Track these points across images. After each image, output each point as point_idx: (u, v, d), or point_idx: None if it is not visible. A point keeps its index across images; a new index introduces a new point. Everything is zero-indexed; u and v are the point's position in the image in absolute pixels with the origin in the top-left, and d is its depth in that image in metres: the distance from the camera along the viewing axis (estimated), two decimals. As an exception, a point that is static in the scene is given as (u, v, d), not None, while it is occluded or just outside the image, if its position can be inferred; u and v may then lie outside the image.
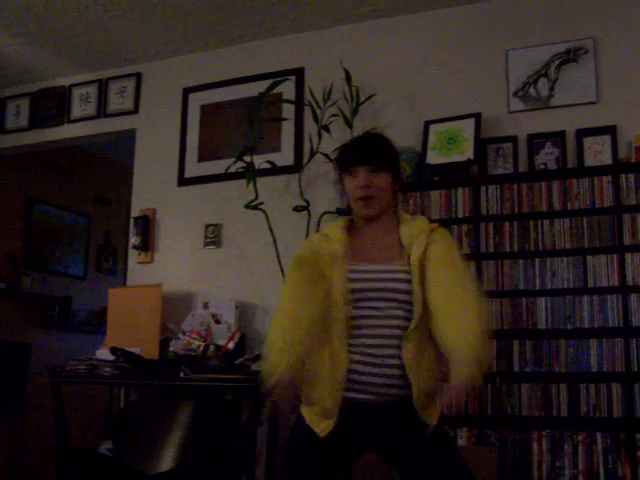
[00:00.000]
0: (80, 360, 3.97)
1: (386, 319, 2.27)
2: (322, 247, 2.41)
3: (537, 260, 3.66)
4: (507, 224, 3.75)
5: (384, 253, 2.36)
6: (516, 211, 3.75)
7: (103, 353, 4.02)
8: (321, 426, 2.29)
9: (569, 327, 3.55)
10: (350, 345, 2.27)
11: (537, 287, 3.64)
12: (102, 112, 5.21)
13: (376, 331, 2.27)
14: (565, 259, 3.63)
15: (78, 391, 4.56)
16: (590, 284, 3.57)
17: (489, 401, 3.58)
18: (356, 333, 2.28)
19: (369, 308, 2.29)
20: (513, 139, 3.97)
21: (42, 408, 6.02)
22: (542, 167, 3.87)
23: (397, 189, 2.44)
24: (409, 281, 2.27)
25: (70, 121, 5.34)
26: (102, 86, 5.24)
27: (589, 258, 3.59)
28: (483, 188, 3.82)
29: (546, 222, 3.69)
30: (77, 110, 5.31)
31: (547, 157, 3.89)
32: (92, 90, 5.27)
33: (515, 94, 4.06)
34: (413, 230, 2.35)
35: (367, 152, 2.42)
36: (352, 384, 2.27)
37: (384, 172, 2.37)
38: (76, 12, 4.46)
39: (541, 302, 3.61)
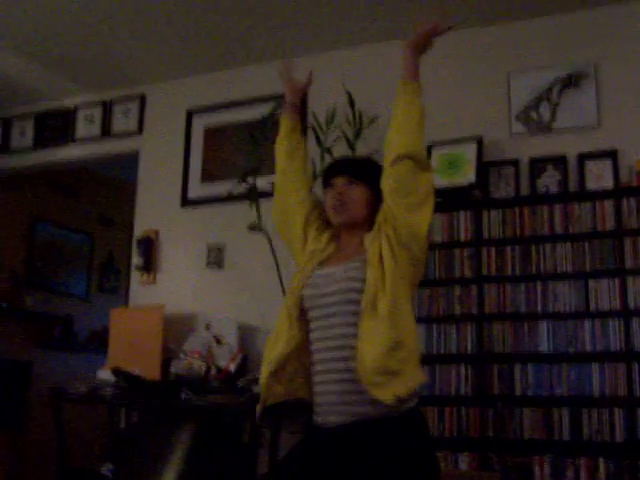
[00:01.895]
0: (81, 380, 3.97)
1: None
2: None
3: (539, 283, 3.67)
4: (509, 248, 3.76)
5: (341, 257, 2.36)
6: (518, 234, 3.76)
7: (104, 374, 4.02)
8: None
9: (571, 351, 3.55)
10: None
11: (539, 310, 3.65)
12: (106, 133, 5.25)
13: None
14: (567, 282, 3.63)
15: (79, 411, 4.55)
16: (592, 308, 3.57)
17: (490, 425, 3.58)
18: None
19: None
20: (515, 163, 3.99)
21: (43, 428, 6.03)
22: (544, 191, 3.88)
23: (372, 207, 2.38)
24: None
25: (74, 141, 5.38)
26: (106, 107, 5.29)
27: (591, 282, 3.60)
28: (485, 211, 3.84)
29: (548, 246, 3.70)
30: (81, 131, 5.35)
31: (549, 181, 3.91)
32: (96, 111, 5.31)
33: (517, 118, 4.09)
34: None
35: (343, 164, 2.50)
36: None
37: (360, 185, 2.38)
38: (82, 34, 4.51)
39: (543, 325, 3.61)
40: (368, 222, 2.38)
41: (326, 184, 2.45)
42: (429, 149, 4.09)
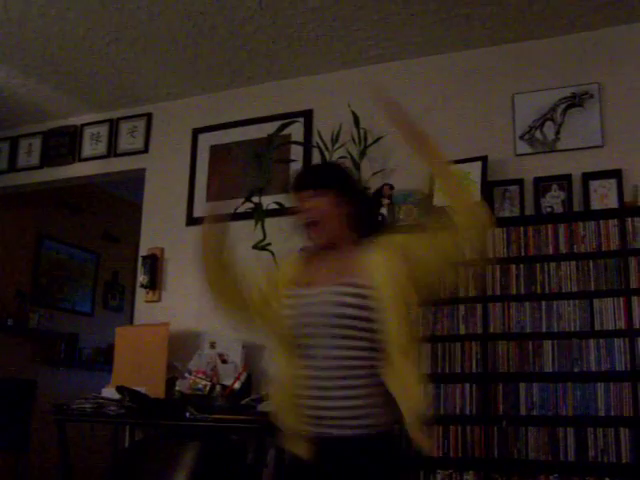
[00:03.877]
0: (86, 399, 3.97)
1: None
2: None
3: (543, 303, 3.66)
4: (513, 267, 3.75)
5: (331, 275, 2.27)
6: (522, 254, 3.76)
7: (109, 392, 4.02)
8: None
9: (576, 370, 3.54)
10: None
11: (543, 330, 3.64)
12: (112, 151, 5.29)
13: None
14: (571, 302, 3.62)
15: (83, 430, 4.55)
16: (597, 327, 3.56)
17: (495, 444, 3.56)
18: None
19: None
20: (519, 182, 4.00)
21: (47, 447, 6.01)
22: (548, 210, 3.89)
23: (349, 211, 2.31)
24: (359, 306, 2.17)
25: (81, 160, 5.41)
26: (113, 126, 5.32)
27: (595, 301, 3.59)
28: (489, 231, 3.83)
29: (552, 265, 3.70)
30: (88, 149, 5.39)
31: (553, 200, 3.92)
32: (103, 130, 5.35)
33: (521, 137, 4.11)
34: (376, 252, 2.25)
35: (302, 178, 2.39)
36: None
37: (324, 194, 2.27)
38: (89, 54, 4.55)
39: (548, 345, 3.60)
40: (345, 230, 2.32)
41: (294, 201, 2.36)
42: (434, 168, 4.10)
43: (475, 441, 3.59)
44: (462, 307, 3.80)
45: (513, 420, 3.57)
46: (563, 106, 4.04)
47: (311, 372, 2.21)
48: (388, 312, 2.14)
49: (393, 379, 2.14)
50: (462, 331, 3.77)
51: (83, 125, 5.44)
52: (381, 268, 2.19)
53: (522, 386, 3.60)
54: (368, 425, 2.15)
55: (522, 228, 3.79)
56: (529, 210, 3.95)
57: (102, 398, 3.95)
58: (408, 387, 2.13)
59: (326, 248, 2.33)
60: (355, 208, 2.32)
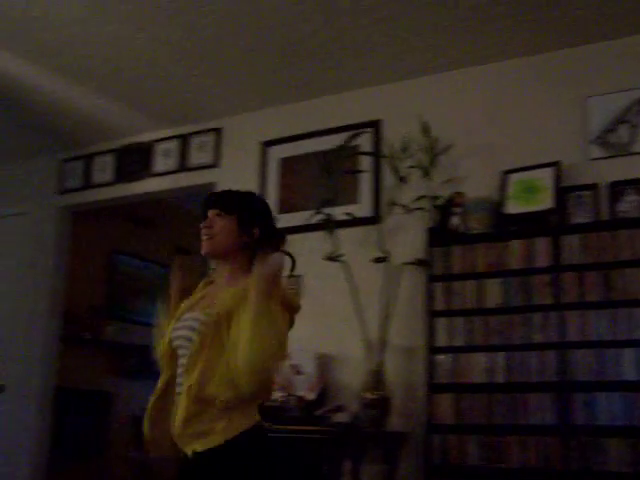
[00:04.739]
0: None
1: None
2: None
3: (622, 310, 3.57)
4: (590, 274, 3.68)
5: (206, 303, 2.44)
6: (599, 260, 3.68)
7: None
8: None
9: (658, 379, 3.45)
10: None
11: (623, 337, 3.55)
12: (183, 166, 5.37)
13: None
14: (651, 308, 3.54)
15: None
16: (679, 334, 3.47)
17: (574, 456, 3.47)
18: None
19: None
20: (593, 187, 3.91)
21: (121, 457, 6.13)
22: (624, 215, 3.80)
23: (246, 240, 2.46)
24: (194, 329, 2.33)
25: (153, 175, 5.52)
26: (183, 141, 5.41)
27: (677, 307, 3.50)
28: (564, 237, 3.77)
29: (630, 270, 3.61)
30: (159, 165, 5.49)
31: (629, 205, 3.82)
32: (174, 145, 5.44)
33: (595, 141, 4.02)
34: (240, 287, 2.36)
35: (213, 198, 2.58)
36: None
37: (228, 216, 2.47)
38: (159, 72, 4.66)
39: (628, 353, 3.51)
40: (235, 253, 2.47)
41: (203, 217, 2.54)
42: (505, 175, 4.06)
43: (553, 452, 3.53)
44: (537, 315, 3.74)
45: (592, 431, 3.49)
46: (638, 107, 3.95)
47: None
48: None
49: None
50: (537, 339, 3.71)
51: (154, 141, 5.54)
52: (228, 300, 2.32)
53: (601, 395, 3.52)
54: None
55: (597, 234, 3.71)
56: (604, 215, 3.86)
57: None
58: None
59: (218, 265, 2.53)
60: (254, 239, 2.47)
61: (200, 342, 2.27)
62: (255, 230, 2.47)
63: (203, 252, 2.50)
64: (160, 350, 2.49)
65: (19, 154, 6.11)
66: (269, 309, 2.20)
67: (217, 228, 2.46)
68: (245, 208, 2.51)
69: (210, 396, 2.21)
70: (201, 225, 2.51)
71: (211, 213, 2.50)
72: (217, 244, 2.47)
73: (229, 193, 2.60)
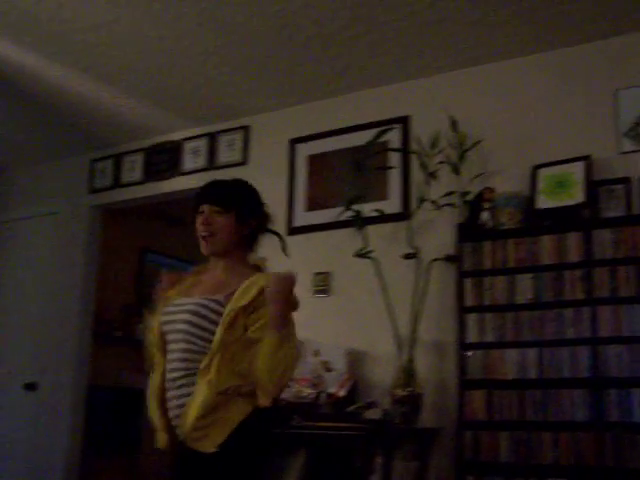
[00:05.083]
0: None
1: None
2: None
3: (656, 305, 3.54)
4: (622, 268, 3.64)
5: (204, 289, 2.46)
6: (631, 254, 3.64)
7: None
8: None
9: (694, 374, 3.41)
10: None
11: (657, 332, 3.51)
12: (212, 164, 5.39)
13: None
14: (686, 303, 3.49)
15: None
16: None
17: (609, 453, 3.44)
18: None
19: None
20: (625, 180, 3.87)
21: (155, 454, 6.18)
22: (657, 208, 3.76)
23: (244, 233, 2.51)
24: (205, 317, 2.34)
25: (182, 174, 5.54)
26: (212, 139, 5.43)
27: None
28: (596, 232, 3.73)
29: (664, 265, 3.57)
30: (188, 163, 5.51)
31: (661, 198, 3.78)
32: (202, 143, 5.47)
33: (626, 134, 3.98)
34: (248, 282, 2.38)
35: (211, 192, 2.55)
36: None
37: (227, 213, 2.47)
38: (187, 72, 4.68)
39: (663, 348, 3.48)
40: (236, 248, 2.50)
41: (196, 210, 2.53)
42: (535, 170, 4.03)
43: (587, 449, 3.50)
44: (569, 310, 3.71)
45: (627, 428, 3.46)
46: (670, 100, 3.91)
47: None
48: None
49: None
50: (570, 335, 3.68)
51: (183, 140, 5.58)
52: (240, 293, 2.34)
53: (636, 391, 3.48)
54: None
55: (630, 228, 3.67)
56: (636, 209, 3.82)
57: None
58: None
59: (216, 260, 2.53)
60: (251, 230, 2.54)
61: (221, 334, 2.28)
62: (252, 221, 2.53)
63: (205, 252, 2.51)
64: (151, 339, 2.51)
65: (50, 154, 6.18)
66: (289, 333, 2.30)
67: (217, 226, 2.47)
68: (243, 203, 2.52)
69: (227, 388, 2.26)
70: (197, 220, 2.50)
71: (207, 209, 2.49)
72: (219, 243, 2.48)
73: (225, 188, 2.59)
